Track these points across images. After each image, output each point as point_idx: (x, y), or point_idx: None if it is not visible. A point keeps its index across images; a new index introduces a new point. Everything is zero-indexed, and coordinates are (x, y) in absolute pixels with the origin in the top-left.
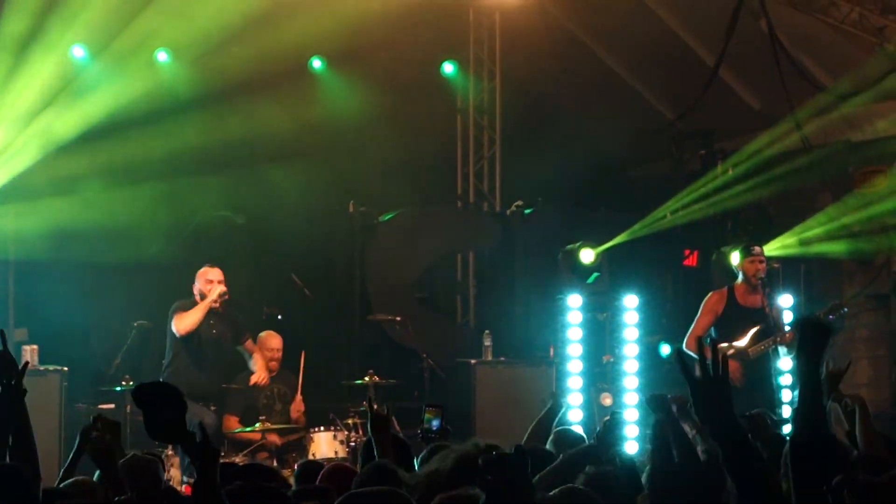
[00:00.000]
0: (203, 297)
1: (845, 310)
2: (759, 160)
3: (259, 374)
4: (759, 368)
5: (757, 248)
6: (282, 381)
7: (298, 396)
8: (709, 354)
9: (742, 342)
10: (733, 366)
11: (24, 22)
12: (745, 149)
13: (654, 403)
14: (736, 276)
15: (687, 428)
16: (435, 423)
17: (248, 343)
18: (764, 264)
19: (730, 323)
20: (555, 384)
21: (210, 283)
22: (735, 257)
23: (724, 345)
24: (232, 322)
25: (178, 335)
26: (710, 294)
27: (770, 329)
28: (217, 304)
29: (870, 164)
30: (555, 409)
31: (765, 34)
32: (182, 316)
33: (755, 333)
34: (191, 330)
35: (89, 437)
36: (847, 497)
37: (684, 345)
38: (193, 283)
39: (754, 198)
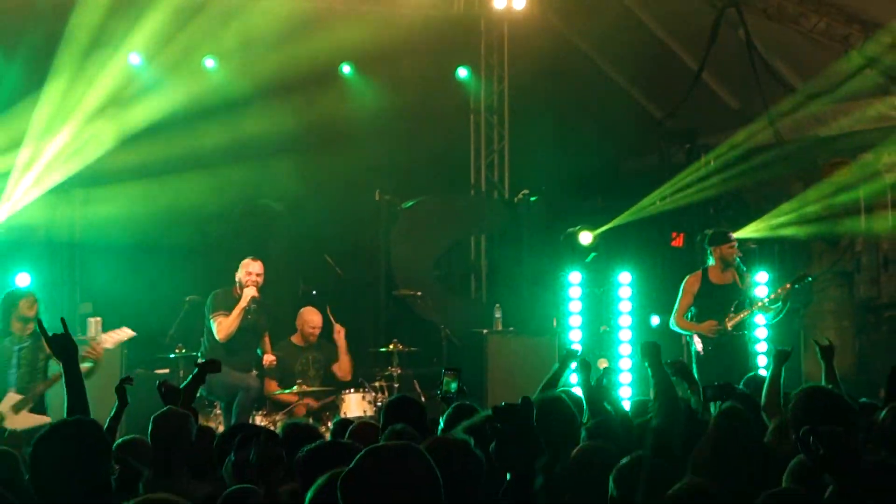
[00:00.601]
0: (242, 285)
1: (810, 279)
2: (737, 153)
3: (267, 357)
4: (735, 338)
5: (731, 235)
6: (318, 350)
7: (345, 357)
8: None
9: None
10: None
11: (88, 32)
12: (724, 143)
13: (645, 350)
14: (707, 259)
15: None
16: (453, 386)
17: (266, 338)
18: (736, 251)
19: (706, 299)
20: (556, 352)
21: (250, 275)
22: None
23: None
24: (266, 310)
25: (220, 342)
26: (686, 277)
27: (742, 302)
28: (248, 302)
29: (836, 157)
30: (563, 368)
31: (742, 42)
32: (221, 324)
33: (733, 308)
34: (231, 334)
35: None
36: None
37: (672, 323)
38: (237, 268)
39: (733, 187)
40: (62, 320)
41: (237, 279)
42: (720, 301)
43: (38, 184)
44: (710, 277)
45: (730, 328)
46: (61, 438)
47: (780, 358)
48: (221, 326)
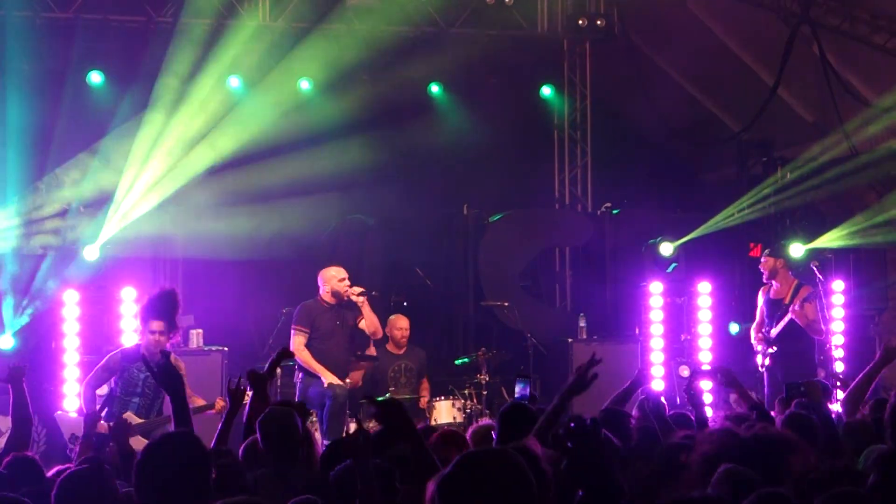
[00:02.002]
0: (338, 295)
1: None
2: (813, 166)
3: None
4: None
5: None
6: (408, 357)
7: (425, 383)
8: None
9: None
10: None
11: (190, 57)
12: (800, 156)
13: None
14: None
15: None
16: (519, 390)
17: (360, 320)
18: (763, 265)
19: (767, 311)
20: (639, 360)
21: (342, 281)
22: (795, 249)
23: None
24: (353, 308)
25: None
26: (760, 289)
27: (784, 313)
28: (362, 301)
29: None
30: (637, 382)
31: (816, 56)
32: (297, 342)
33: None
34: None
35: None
36: None
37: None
38: (319, 281)
39: (808, 199)
40: (162, 353)
41: (328, 291)
42: (773, 315)
43: (144, 201)
44: (770, 293)
45: (772, 335)
46: (162, 452)
47: (888, 355)
48: (296, 346)
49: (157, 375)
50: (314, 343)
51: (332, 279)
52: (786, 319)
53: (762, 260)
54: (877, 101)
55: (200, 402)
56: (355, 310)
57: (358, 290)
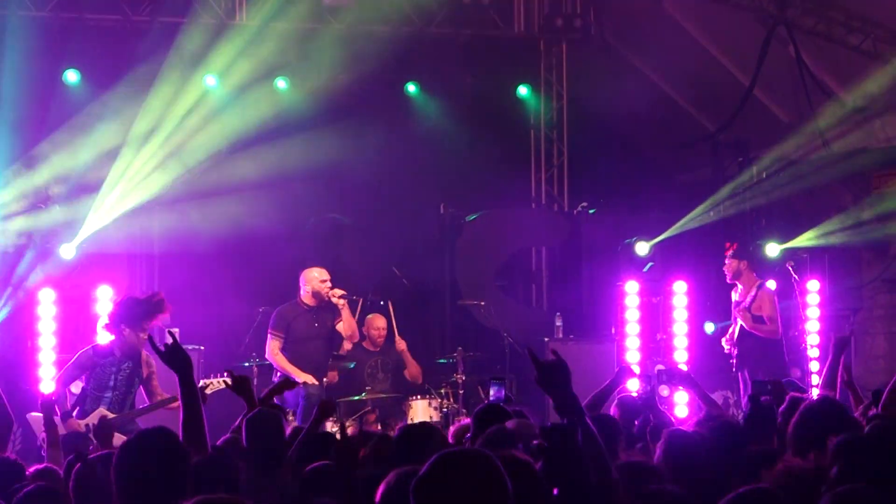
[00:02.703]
0: (319, 296)
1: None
2: (787, 164)
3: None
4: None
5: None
6: (385, 354)
7: (412, 363)
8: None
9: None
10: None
11: (166, 56)
12: (774, 153)
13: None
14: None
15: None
16: (494, 393)
17: (338, 322)
18: (727, 266)
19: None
20: (616, 359)
21: (324, 282)
22: (771, 249)
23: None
24: (332, 310)
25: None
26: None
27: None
28: (342, 304)
29: (886, 169)
30: (616, 384)
31: (792, 58)
32: (272, 347)
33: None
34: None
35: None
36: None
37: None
38: (300, 282)
39: (783, 196)
40: (170, 333)
41: (308, 291)
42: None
43: (123, 201)
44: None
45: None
46: (138, 449)
47: (839, 345)
48: (271, 350)
49: (165, 356)
50: (291, 346)
51: (314, 280)
52: (734, 325)
53: (726, 262)
54: (851, 100)
55: (164, 395)
56: (334, 312)
57: (339, 292)
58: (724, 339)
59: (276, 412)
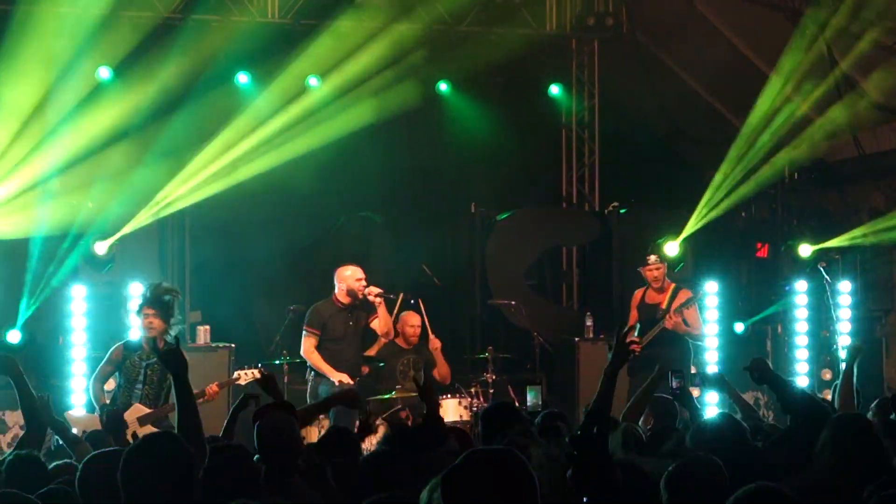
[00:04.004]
0: (353, 294)
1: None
2: (819, 165)
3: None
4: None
5: (651, 258)
6: (417, 352)
7: (443, 364)
8: None
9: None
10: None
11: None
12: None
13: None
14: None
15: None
16: (530, 399)
17: (373, 319)
18: (659, 271)
19: (640, 316)
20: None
21: (359, 280)
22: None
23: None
24: (366, 308)
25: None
26: (635, 291)
27: (658, 320)
28: (379, 301)
29: None
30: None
31: (825, 56)
32: (307, 344)
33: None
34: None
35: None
36: None
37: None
38: (335, 280)
39: (815, 198)
40: (175, 337)
41: (343, 290)
42: (648, 320)
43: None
44: (645, 297)
45: (643, 342)
46: (144, 454)
47: (854, 353)
48: (306, 348)
49: (163, 357)
50: (326, 345)
51: (349, 278)
52: (658, 328)
53: (657, 266)
54: (884, 100)
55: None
56: (368, 310)
57: (375, 290)
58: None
59: (287, 417)
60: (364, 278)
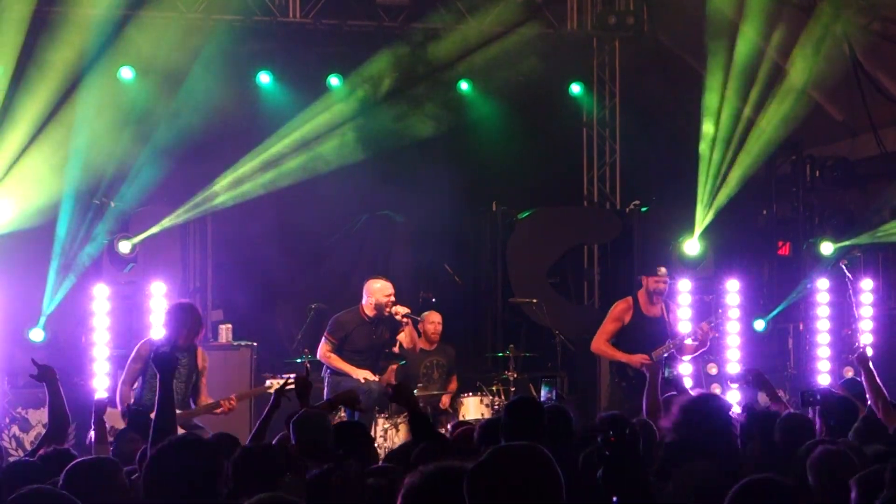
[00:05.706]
0: (380, 308)
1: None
2: (842, 164)
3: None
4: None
5: (662, 270)
6: (440, 353)
7: (454, 381)
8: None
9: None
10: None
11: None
12: (829, 154)
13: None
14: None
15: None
16: (544, 394)
17: (400, 332)
18: (665, 285)
19: (636, 329)
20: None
21: (388, 296)
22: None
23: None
24: (391, 323)
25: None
26: (616, 303)
27: (667, 334)
28: (406, 321)
29: None
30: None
31: (846, 55)
32: (325, 349)
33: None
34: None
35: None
36: None
37: (592, 346)
38: (364, 292)
39: (838, 196)
40: (176, 351)
41: (371, 303)
42: (649, 334)
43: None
44: (642, 308)
45: (654, 357)
46: (169, 457)
47: (861, 362)
48: (323, 351)
49: (153, 360)
50: (347, 355)
51: (378, 292)
52: (692, 344)
53: (664, 280)
54: None
55: (209, 400)
56: (393, 325)
57: (403, 310)
58: (653, 353)
59: (322, 413)
60: (393, 294)
